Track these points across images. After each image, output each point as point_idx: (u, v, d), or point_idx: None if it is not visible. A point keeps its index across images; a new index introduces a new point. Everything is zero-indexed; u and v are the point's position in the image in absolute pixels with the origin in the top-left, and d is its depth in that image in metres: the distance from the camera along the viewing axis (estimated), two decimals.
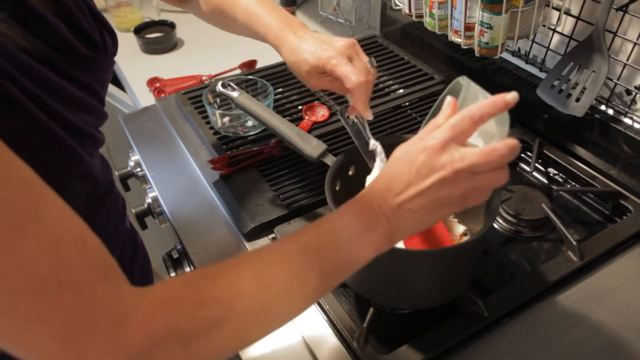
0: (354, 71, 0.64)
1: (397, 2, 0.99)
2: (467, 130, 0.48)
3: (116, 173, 1.11)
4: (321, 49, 0.66)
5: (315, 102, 1.08)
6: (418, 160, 0.48)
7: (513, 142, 0.47)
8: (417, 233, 0.56)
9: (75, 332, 0.35)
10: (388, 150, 0.69)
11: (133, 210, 1.01)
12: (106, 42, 0.61)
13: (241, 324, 0.42)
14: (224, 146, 0.97)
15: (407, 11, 0.97)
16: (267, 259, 0.46)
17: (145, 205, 0.99)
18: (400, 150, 0.51)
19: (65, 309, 0.34)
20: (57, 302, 0.34)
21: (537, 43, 0.97)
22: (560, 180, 0.93)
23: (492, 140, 0.55)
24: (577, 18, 0.87)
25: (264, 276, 0.44)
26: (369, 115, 0.68)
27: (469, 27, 0.86)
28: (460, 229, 0.74)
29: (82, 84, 0.56)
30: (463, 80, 0.59)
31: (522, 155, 0.98)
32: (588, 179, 0.89)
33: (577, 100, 0.85)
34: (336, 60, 0.65)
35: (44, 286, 0.34)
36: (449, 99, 0.53)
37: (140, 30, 1.39)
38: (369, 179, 0.67)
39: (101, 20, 0.61)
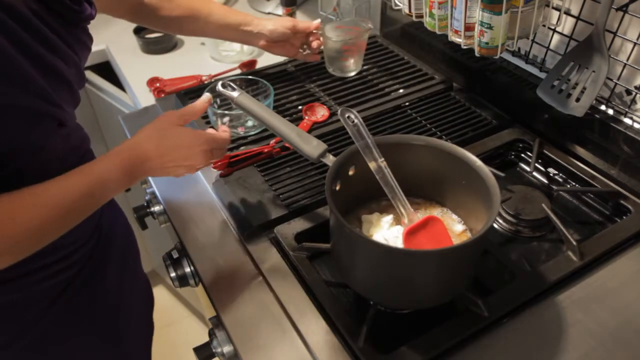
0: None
1: (397, 2, 0.99)
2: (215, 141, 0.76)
3: None
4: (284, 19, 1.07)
5: (315, 102, 1.08)
6: (187, 147, 0.72)
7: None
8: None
9: None
10: (388, 151, 0.69)
11: (133, 211, 1.01)
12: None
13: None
14: None
15: (407, 11, 0.97)
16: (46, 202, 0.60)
17: (145, 205, 0.99)
18: (177, 130, 0.73)
19: None
20: None
21: (537, 43, 0.97)
22: (560, 180, 0.93)
23: None
24: (577, 18, 0.87)
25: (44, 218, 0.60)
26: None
27: (469, 27, 0.86)
28: (460, 228, 0.74)
29: (65, 40, 0.64)
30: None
31: (522, 155, 0.98)
32: (588, 179, 0.89)
33: (577, 100, 0.85)
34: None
35: None
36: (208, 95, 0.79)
37: (140, 30, 1.39)
38: (384, 220, 0.73)
39: None
